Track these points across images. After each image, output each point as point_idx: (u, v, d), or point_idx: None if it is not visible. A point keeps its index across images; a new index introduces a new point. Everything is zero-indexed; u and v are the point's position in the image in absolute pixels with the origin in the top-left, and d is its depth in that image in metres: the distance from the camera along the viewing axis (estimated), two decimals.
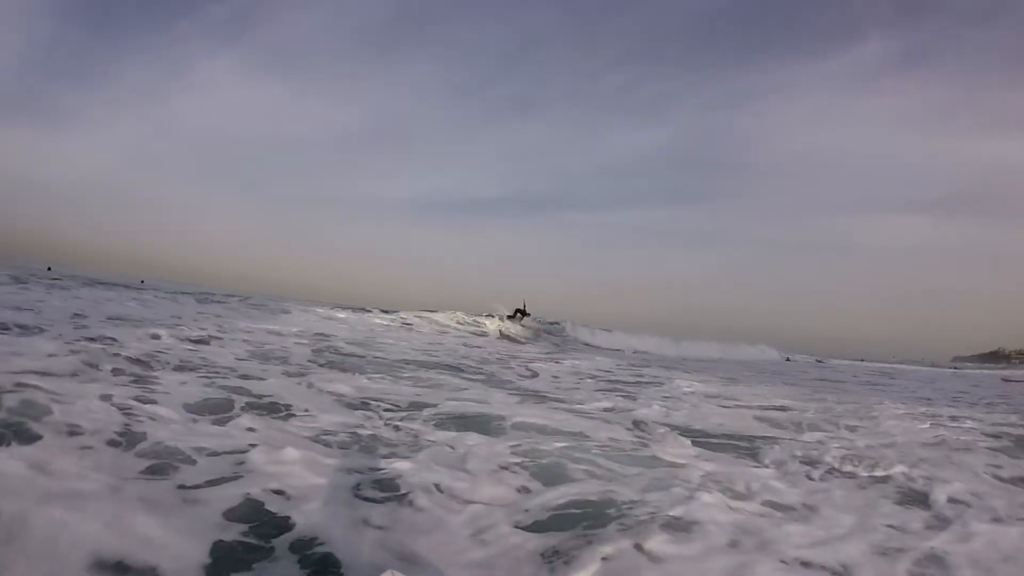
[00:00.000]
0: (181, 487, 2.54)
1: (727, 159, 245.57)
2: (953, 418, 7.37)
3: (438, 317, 21.02)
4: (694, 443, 4.49)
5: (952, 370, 42.41)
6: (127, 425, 3.28)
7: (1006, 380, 24.05)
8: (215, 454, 3.01)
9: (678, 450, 4.21)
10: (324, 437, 3.63)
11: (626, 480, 3.30)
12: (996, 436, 5.87)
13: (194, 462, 2.87)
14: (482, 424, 4.46)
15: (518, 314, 26.17)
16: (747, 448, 4.55)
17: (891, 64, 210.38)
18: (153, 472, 2.69)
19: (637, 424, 5.13)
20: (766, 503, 3.09)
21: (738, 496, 3.16)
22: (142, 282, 33.86)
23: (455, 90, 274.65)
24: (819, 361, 34.83)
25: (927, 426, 6.43)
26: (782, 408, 7.16)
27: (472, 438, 3.93)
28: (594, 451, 3.86)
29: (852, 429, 5.86)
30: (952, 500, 3.38)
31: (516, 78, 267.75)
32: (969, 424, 6.79)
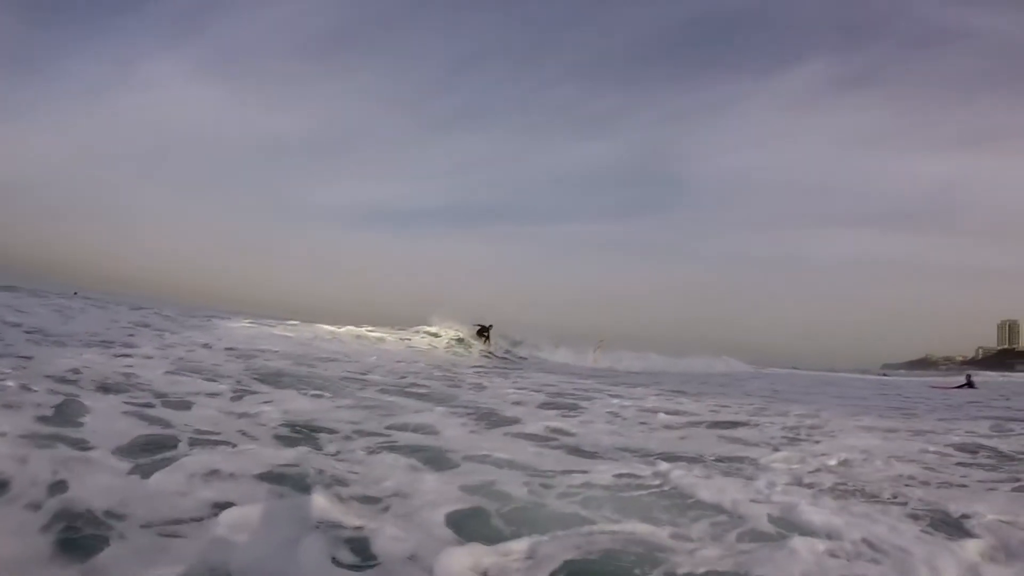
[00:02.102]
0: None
1: (672, 174, 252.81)
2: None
3: (382, 333, 20.50)
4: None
5: (882, 376, 44.11)
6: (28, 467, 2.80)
7: (933, 387, 25.07)
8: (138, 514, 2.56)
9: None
10: (251, 481, 3.20)
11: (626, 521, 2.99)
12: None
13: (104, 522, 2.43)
14: (432, 457, 4.11)
15: (483, 333, 26.42)
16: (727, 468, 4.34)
17: (834, 86, 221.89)
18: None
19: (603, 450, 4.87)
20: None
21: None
22: (75, 294, 31.92)
23: (400, 100, 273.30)
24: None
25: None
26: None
27: (422, 477, 3.56)
28: (560, 487, 3.56)
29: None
30: None
31: (462, 89, 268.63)
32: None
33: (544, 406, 7.56)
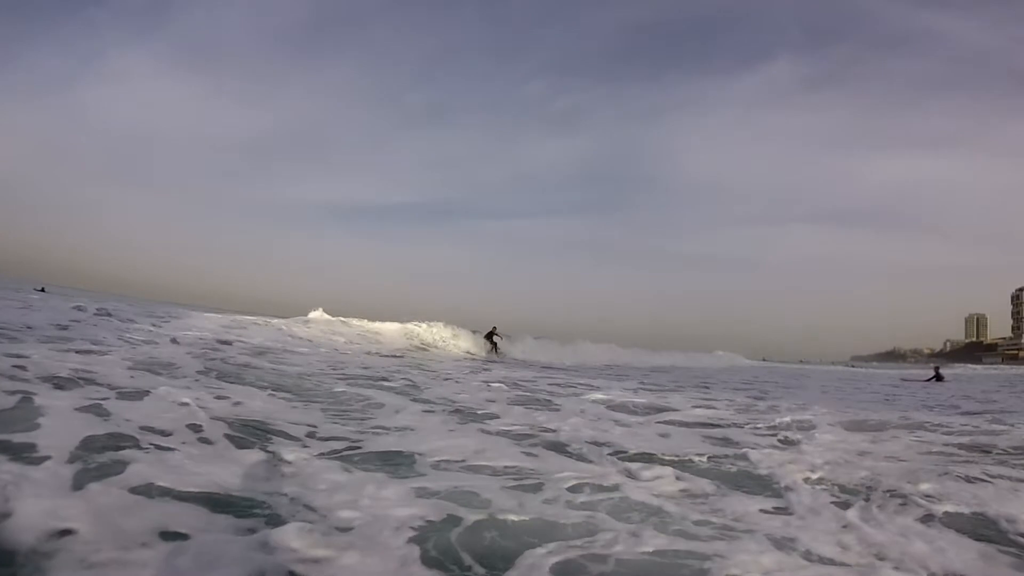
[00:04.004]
0: None
1: (639, 172, 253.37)
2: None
3: (349, 330, 20.01)
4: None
5: (852, 368, 44.85)
6: None
7: (904, 379, 25.41)
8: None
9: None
10: (200, 499, 2.85)
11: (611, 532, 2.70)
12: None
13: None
14: (403, 464, 3.79)
15: (491, 338, 25.03)
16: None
17: (799, 86, 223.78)
18: None
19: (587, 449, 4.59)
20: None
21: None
22: (42, 289, 30.80)
23: (372, 95, 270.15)
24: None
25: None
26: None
27: (390, 487, 3.23)
28: (543, 492, 3.27)
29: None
30: None
31: (434, 86, 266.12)
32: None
33: (516, 402, 7.29)
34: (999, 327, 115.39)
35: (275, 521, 2.58)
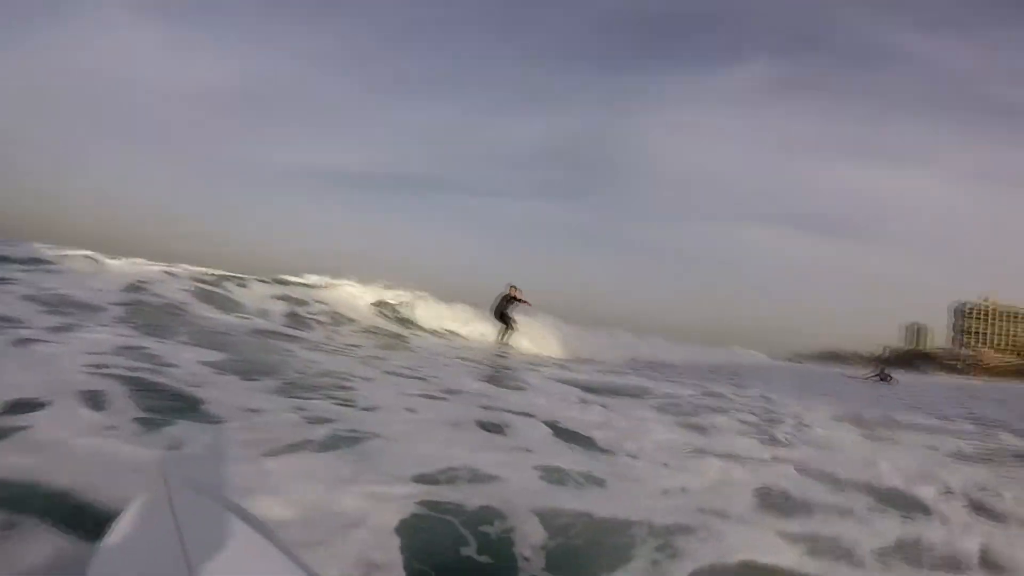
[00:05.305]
0: None
1: (612, 159, 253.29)
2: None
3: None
4: None
5: (791, 364, 45.60)
6: None
7: (848, 377, 25.71)
8: None
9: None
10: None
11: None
12: None
13: None
14: (363, 452, 2.86)
15: (506, 310, 14.47)
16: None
17: (771, 90, 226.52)
18: None
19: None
20: None
21: None
22: None
23: (348, 63, 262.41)
24: None
25: None
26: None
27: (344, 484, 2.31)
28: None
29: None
30: None
31: (410, 57, 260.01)
32: None
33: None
34: (937, 337, 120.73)
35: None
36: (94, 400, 2.81)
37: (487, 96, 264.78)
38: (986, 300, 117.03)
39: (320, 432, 2.95)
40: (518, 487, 2.53)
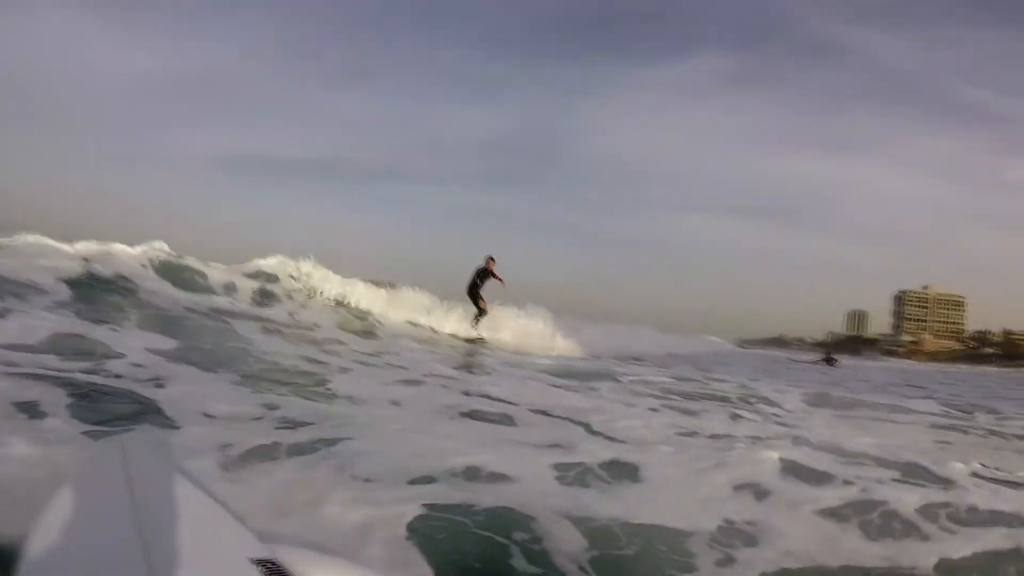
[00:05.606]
0: None
1: (553, 149, 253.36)
2: None
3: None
4: None
5: (741, 349, 46.67)
6: None
7: (791, 360, 26.56)
8: None
9: None
10: None
11: None
12: None
13: None
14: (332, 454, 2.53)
15: (477, 290, 12.47)
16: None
17: (719, 82, 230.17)
18: None
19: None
20: None
21: None
22: None
23: (287, 50, 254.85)
24: None
25: None
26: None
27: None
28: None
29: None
30: None
31: (353, 44, 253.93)
32: None
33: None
34: (878, 324, 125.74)
35: None
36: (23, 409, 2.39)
37: (424, 85, 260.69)
38: (925, 288, 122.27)
39: (297, 436, 2.60)
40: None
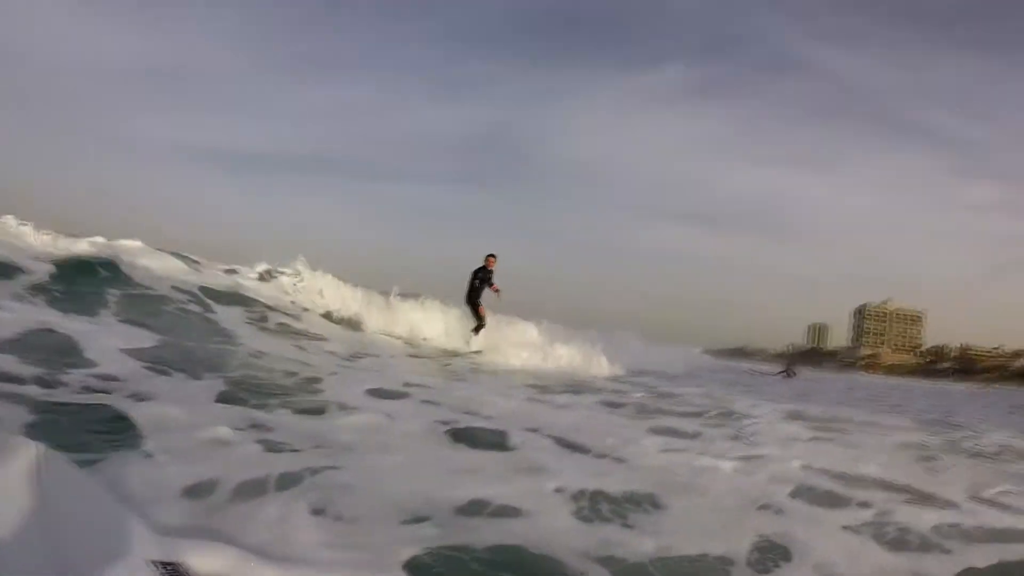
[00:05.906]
0: None
1: (521, 150, 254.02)
2: None
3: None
4: None
5: (713, 360, 47.33)
6: None
7: (751, 371, 26.69)
8: None
9: None
10: None
11: None
12: None
13: None
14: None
15: (478, 297, 11.19)
16: None
17: (686, 92, 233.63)
18: None
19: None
20: None
21: None
22: None
23: (254, 41, 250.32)
24: None
25: None
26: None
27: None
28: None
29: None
30: None
31: (320, 35, 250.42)
32: None
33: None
34: (838, 337, 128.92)
35: None
36: None
37: (394, 81, 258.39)
38: (885, 302, 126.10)
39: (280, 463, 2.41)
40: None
